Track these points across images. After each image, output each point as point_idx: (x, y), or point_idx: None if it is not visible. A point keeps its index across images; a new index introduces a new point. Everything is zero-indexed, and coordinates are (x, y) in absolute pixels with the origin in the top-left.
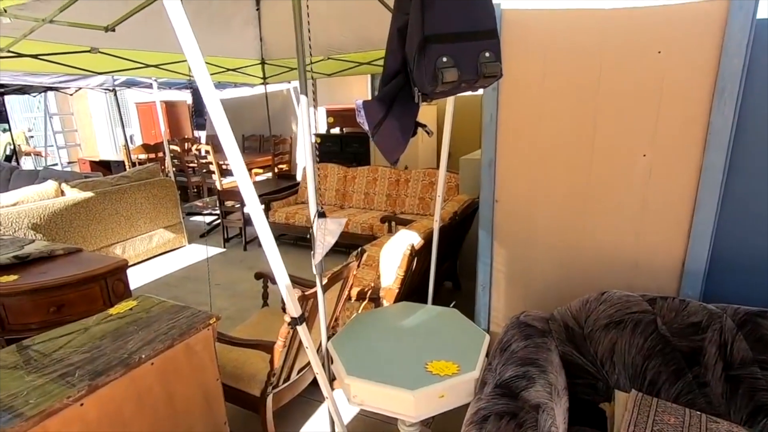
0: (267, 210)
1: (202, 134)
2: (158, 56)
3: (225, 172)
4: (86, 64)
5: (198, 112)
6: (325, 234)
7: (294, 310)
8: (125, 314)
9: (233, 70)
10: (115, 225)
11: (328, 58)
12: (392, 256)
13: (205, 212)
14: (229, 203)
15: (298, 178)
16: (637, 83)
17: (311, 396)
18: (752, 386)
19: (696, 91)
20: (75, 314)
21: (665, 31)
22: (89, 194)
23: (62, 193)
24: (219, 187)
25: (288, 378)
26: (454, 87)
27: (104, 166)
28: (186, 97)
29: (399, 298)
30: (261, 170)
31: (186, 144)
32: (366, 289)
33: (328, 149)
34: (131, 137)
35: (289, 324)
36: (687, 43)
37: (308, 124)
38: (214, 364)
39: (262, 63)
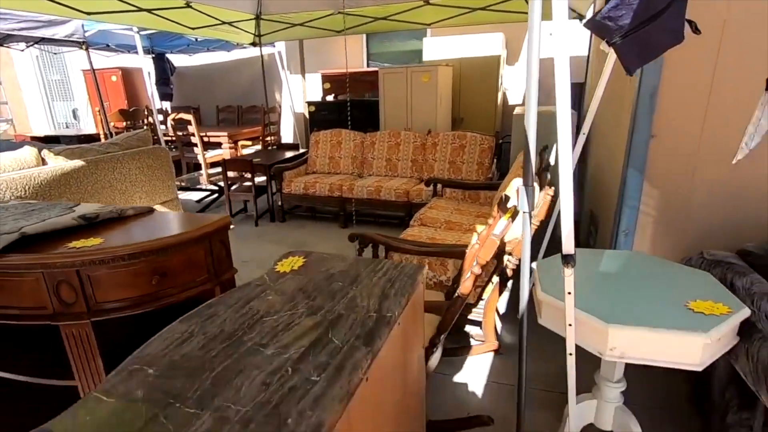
0: (280, 181)
1: (166, 105)
2: None
3: (207, 146)
4: (74, 2)
5: (163, 80)
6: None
7: (571, 247)
8: (301, 271)
9: (226, 23)
10: (109, 200)
11: (338, 12)
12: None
13: (192, 188)
14: (231, 174)
15: (290, 144)
16: None
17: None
18: None
19: None
20: (178, 285)
21: None
22: (78, 163)
23: (43, 161)
24: (203, 162)
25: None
26: None
27: (52, 143)
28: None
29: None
30: (249, 142)
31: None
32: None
33: (323, 118)
34: (74, 111)
35: (565, 264)
36: None
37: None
38: (423, 325)
39: (257, 18)
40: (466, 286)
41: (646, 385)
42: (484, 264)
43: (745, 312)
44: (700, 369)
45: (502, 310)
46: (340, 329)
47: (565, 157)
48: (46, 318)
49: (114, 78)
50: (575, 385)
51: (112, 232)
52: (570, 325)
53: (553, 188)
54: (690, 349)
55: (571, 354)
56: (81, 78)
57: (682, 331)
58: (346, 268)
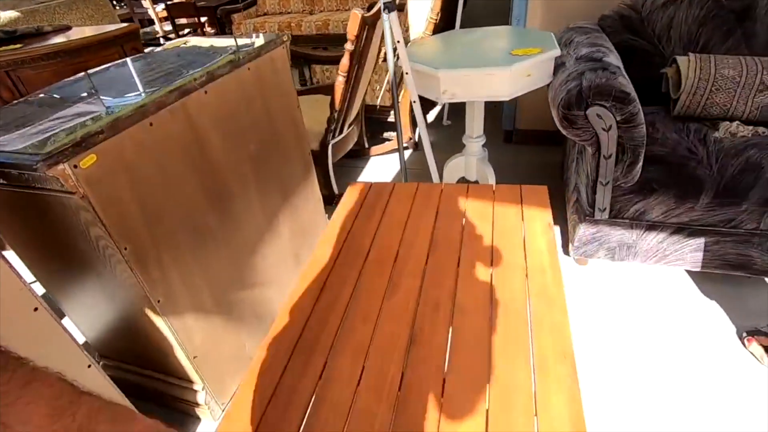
0: (230, 25)
1: None
2: None
3: None
4: None
5: None
6: None
7: None
8: (188, 47)
9: None
10: None
11: None
12: (421, 2)
13: (148, 43)
14: (182, 21)
15: None
16: None
17: (352, 164)
18: None
19: None
20: None
21: None
22: (13, 14)
23: None
24: (154, 16)
25: (341, 130)
26: None
27: None
28: None
29: None
30: None
31: None
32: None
33: None
34: None
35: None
36: None
37: None
38: (293, 88)
39: None
40: (343, 64)
41: (535, 164)
42: (352, 38)
43: (554, 52)
44: (507, 99)
45: (430, 120)
46: (192, 68)
47: None
48: None
49: None
50: (427, 136)
51: (32, 41)
52: (407, 73)
53: None
54: (500, 83)
55: (415, 101)
56: None
57: (493, 67)
58: (227, 39)
